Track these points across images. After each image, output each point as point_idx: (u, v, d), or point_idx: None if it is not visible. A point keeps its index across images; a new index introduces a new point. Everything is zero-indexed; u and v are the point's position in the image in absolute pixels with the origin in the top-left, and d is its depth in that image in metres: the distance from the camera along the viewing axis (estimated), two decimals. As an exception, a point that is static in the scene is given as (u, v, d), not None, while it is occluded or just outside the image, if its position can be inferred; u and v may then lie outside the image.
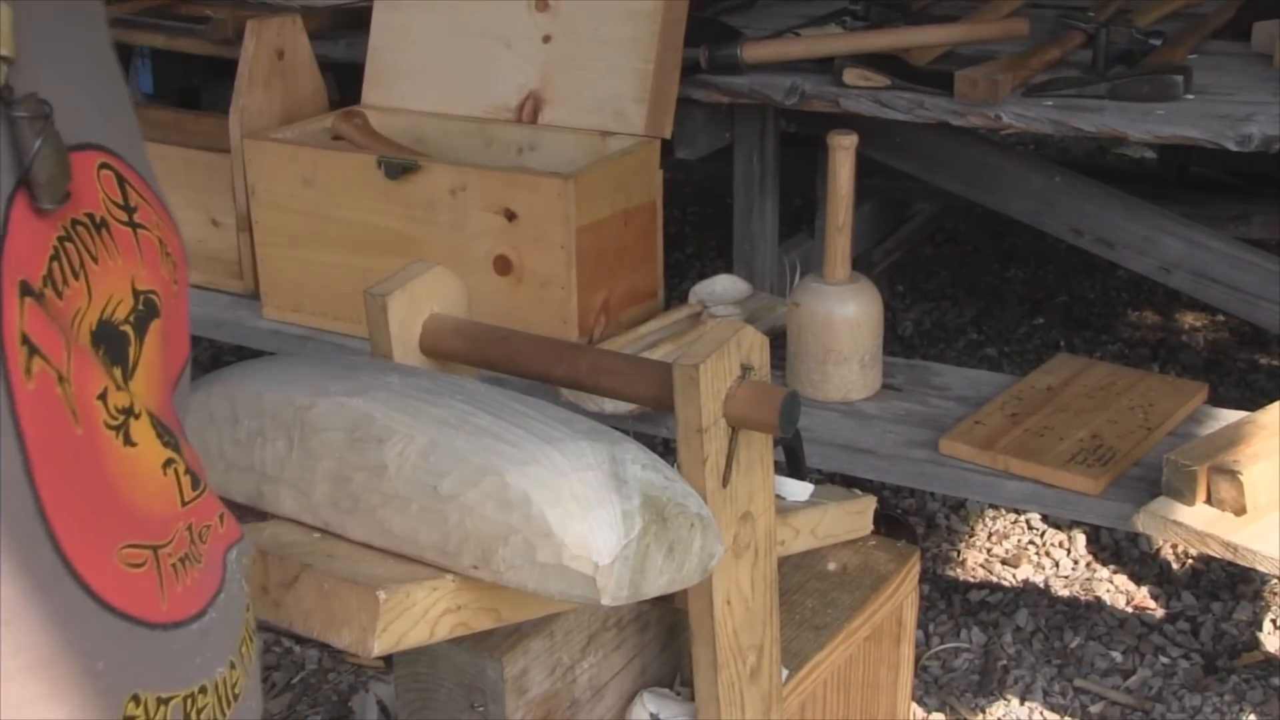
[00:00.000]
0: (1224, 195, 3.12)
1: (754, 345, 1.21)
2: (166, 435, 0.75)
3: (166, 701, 0.74)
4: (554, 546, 1.07)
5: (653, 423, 2.10)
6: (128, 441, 0.71)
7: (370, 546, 1.16)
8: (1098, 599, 2.56)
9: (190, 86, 3.59)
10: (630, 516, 1.09)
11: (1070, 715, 2.29)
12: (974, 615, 2.54)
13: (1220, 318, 3.49)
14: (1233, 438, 1.90)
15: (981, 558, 2.71)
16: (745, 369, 1.20)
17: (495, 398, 1.20)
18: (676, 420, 1.19)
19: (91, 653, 0.68)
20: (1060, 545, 2.72)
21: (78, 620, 0.68)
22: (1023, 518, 2.81)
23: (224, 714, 0.79)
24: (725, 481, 1.20)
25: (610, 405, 2.05)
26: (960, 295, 3.72)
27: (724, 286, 2.35)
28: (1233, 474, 1.79)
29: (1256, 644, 2.43)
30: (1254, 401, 2.41)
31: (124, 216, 0.73)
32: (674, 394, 1.18)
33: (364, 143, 2.46)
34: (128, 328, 0.73)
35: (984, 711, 2.31)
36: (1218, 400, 2.24)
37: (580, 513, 1.08)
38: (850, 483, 2.30)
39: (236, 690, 0.80)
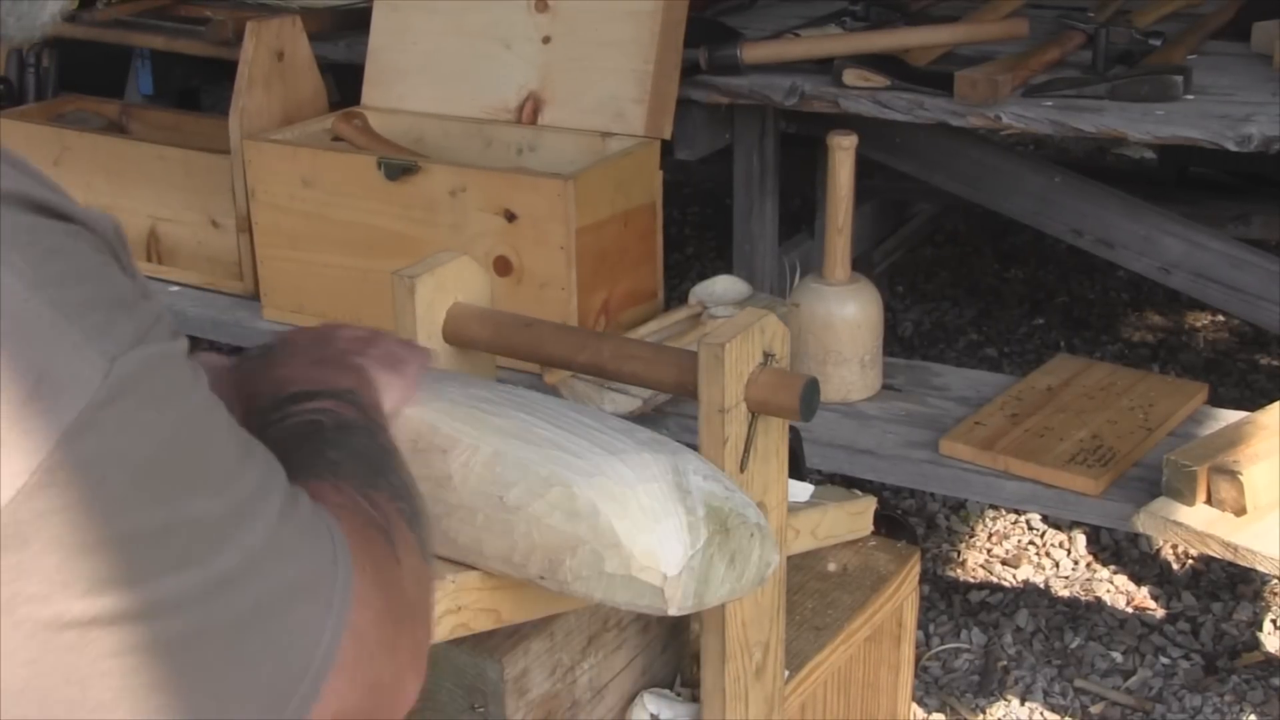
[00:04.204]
0: (1224, 195, 3.12)
1: (777, 334, 1.22)
2: None
3: None
4: (622, 557, 1.08)
5: (652, 423, 2.10)
6: None
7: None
8: (1098, 599, 2.56)
9: (190, 88, 3.60)
10: (695, 527, 1.09)
11: (1070, 716, 2.29)
12: (974, 616, 2.54)
13: (1220, 318, 3.49)
14: (1233, 438, 1.90)
15: (982, 558, 2.71)
16: (767, 355, 1.21)
17: (553, 407, 1.20)
18: (699, 401, 1.19)
19: None
20: (1060, 546, 2.72)
21: None
22: (1023, 518, 2.80)
23: None
24: (743, 466, 1.21)
25: (609, 405, 2.05)
26: (960, 296, 3.72)
27: (724, 287, 2.34)
28: (1233, 474, 1.79)
29: (1257, 644, 2.43)
30: (1254, 402, 2.41)
31: None
32: (698, 374, 1.19)
33: (364, 144, 2.46)
34: None
35: (984, 712, 2.30)
36: (1217, 400, 2.24)
37: (647, 524, 1.08)
38: (850, 483, 2.30)
39: None
